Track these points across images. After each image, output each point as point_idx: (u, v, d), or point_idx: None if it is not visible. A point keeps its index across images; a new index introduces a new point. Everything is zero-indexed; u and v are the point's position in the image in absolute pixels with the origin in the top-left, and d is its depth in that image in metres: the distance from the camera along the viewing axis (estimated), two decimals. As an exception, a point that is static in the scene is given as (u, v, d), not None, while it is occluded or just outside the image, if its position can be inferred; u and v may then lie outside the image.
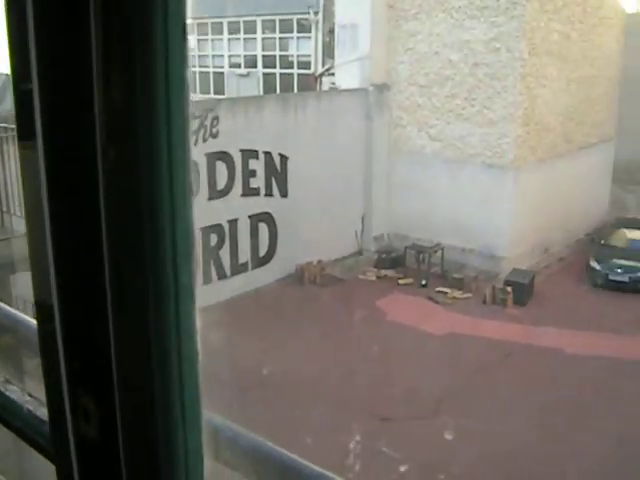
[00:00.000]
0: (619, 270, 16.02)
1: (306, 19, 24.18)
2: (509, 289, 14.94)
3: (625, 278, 15.89)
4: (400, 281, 16.22)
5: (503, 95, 15.62)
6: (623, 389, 11.61)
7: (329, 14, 22.47)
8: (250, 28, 26.90)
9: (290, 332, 12.84)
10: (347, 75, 18.85)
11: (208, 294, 11.50)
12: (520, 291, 14.97)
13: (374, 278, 16.49)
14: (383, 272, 16.58)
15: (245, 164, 14.69)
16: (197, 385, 0.85)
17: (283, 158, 15.80)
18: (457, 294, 15.44)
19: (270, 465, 1.40)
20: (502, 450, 10.23)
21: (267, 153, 15.13)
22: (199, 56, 28.06)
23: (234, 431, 1.42)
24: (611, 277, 16.13)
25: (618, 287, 15.85)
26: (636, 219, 19.37)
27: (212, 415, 1.27)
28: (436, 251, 16.45)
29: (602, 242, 17.52)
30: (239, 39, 27.41)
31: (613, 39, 20.35)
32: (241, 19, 27.10)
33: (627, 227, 18.18)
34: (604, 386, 11.74)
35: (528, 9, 15.72)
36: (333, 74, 20.71)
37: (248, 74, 26.97)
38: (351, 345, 12.95)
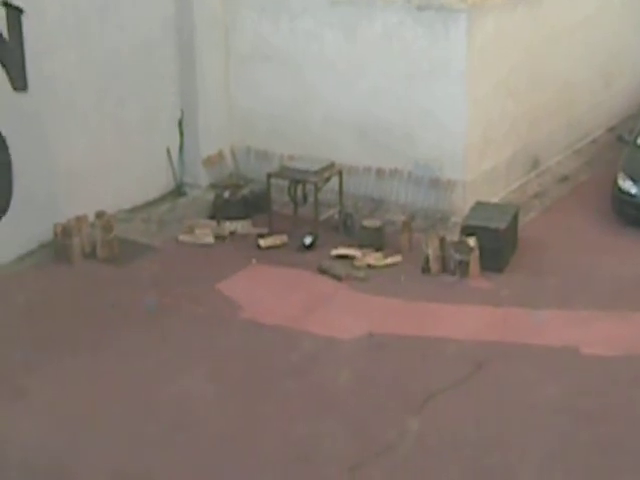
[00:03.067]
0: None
1: None
2: (472, 242, 10.53)
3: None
4: (262, 241, 11.09)
5: None
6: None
7: None
8: None
9: (37, 378, 8.46)
10: None
11: None
12: (492, 245, 10.64)
13: (211, 239, 11.23)
14: (228, 225, 11.53)
15: None
16: None
17: (12, 12, 10.48)
18: (374, 258, 10.85)
19: None
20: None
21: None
22: None
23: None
24: (661, 204, 12.05)
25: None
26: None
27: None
28: (328, 178, 11.39)
29: (639, 141, 12.54)
30: None
31: None
32: None
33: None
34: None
35: None
36: None
37: None
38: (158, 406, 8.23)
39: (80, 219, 10.32)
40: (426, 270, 10.39)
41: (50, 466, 7.10)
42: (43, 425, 7.64)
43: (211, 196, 11.90)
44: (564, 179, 13.40)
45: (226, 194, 11.72)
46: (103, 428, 7.47)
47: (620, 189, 11.64)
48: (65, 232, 10.40)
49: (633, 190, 11.47)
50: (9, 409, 7.92)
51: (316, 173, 10.91)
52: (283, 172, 11.08)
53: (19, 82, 10.39)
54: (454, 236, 10.60)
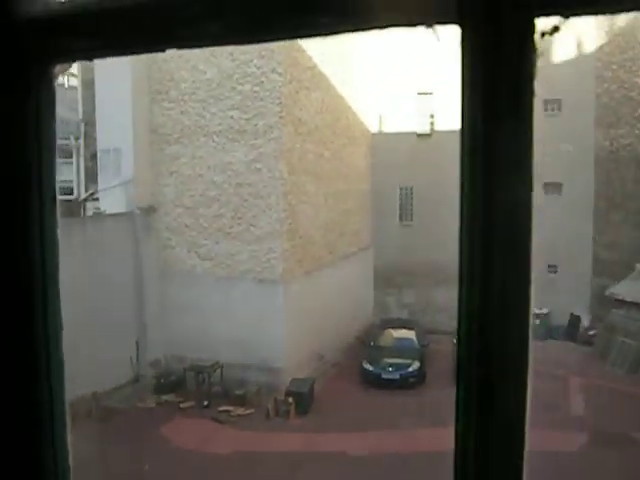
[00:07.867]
0: (390, 369, 17.17)
1: (67, 144, 23.33)
2: (290, 399, 15.37)
3: (396, 375, 17.06)
4: (181, 405, 16.08)
5: (268, 212, 16.48)
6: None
7: (91, 139, 21.99)
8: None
9: None
10: (112, 199, 18.45)
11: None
12: (301, 400, 15.43)
13: (154, 405, 16.23)
14: (163, 397, 16.39)
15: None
16: None
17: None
18: (240, 411, 15.63)
19: None
20: None
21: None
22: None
23: None
24: (384, 376, 17.26)
25: (391, 385, 16.82)
26: (399, 319, 20.86)
27: None
28: (215, 370, 16.56)
29: (371, 343, 18.52)
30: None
31: (361, 156, 22.19)
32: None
33: (392, 327, 19.34)
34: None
35: (284, 132, 16.71)
36: (97, 199, 20.12)
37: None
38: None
39: (82, 397, 14.91)
40: (267, 416, 15.30)
41: None
42: None
43: (154, 381, 16.73)
44: (336, 364, 18.80)
45: (162, 380, 16.59)
46: None
47: (364, 368, 17.36)
48: (73, 405, 16.19)
49: (370, 368, 17.15)
50: None
51: (209, 367, 16.31)
52: (192, 367, 16.47)
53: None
54: (282, 397, 15.39)
